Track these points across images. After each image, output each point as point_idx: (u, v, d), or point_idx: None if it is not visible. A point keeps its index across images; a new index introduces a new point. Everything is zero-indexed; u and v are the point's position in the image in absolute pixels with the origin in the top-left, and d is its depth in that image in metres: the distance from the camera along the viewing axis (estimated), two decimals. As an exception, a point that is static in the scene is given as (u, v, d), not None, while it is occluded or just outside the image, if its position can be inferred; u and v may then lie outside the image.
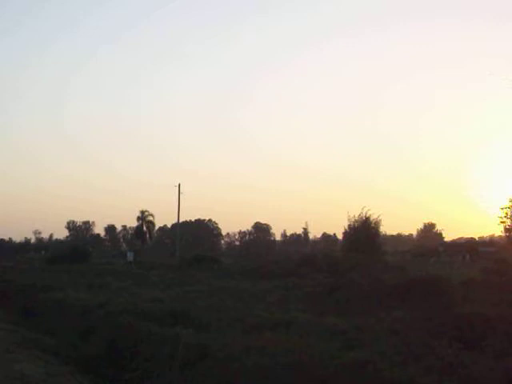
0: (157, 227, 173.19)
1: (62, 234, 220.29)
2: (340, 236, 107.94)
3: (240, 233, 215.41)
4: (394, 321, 20.87)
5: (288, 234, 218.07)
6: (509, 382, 12.63)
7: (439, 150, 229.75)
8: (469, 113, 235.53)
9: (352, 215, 77.71)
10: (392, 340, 17.21)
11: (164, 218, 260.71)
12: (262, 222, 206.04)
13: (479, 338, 16.48)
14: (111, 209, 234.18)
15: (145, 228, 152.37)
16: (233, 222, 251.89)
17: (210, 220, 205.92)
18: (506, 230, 78.47)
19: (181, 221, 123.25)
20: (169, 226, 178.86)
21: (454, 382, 12.47)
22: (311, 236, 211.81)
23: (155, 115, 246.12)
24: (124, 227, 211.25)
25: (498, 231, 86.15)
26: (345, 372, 13.75)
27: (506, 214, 77.25)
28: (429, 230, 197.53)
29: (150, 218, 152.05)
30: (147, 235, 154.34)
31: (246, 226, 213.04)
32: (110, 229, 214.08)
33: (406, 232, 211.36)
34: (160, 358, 16.70)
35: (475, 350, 15.39)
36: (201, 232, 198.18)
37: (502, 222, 78.31)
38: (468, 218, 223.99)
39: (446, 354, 14.21)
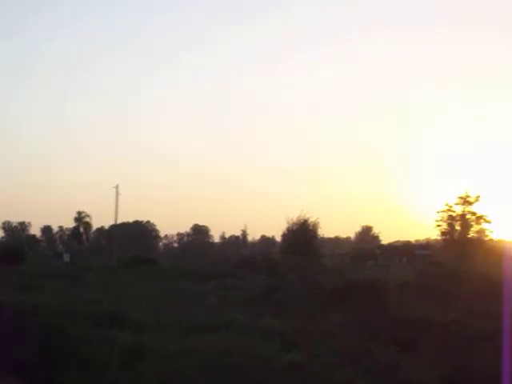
0: (94, 228, 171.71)
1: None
2: (279, 238, 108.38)
3: (178, 234, 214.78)
4: (331, 323, 21.06)
5: (227, 236, 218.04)
6: (442, 382, 12.87)
7: (376, 153, 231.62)
8: (396, 116, 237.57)
9: (291, 218, 78.12)
10: (329, 343, 17.35)
11: (102, 219, 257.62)
12: (201, 223, 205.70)
13: (414, 340, 16.75)
14: (48, 209, 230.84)
15: (82, 229, 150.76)
16: (171, 224, 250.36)
17: (148, 221, 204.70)
18: (442, 233, 79.66)
19: (119, 222, 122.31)
20: (106, 227, 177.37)
21: (392, 382, 12.66)
22: (250, 238, 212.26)
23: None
24: (61, 228, 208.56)
25: (434, 235, 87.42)
26: (282, 374, 13.82)
27: (442, 217, 78.44)
28: (366, 233, 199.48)
29: (87, 219, 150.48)
30: (84, 236, 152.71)
31: (185, 227, 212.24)
32: (47, 230, 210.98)
33: (343, 235, 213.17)
34: (97, 360, 16.55)
35: (411, 352, 15.64)
36: (139, 233, 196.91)
37: (438, 226, 79.52)
38: (405, 222, 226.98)
39: (383, 357, 14.41)
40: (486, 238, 77.97)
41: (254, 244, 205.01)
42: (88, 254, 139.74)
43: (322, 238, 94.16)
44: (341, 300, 27.14)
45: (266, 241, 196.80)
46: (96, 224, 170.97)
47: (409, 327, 18.31)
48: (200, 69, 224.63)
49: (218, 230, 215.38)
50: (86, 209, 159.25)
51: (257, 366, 14.53)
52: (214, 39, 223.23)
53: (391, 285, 32.50)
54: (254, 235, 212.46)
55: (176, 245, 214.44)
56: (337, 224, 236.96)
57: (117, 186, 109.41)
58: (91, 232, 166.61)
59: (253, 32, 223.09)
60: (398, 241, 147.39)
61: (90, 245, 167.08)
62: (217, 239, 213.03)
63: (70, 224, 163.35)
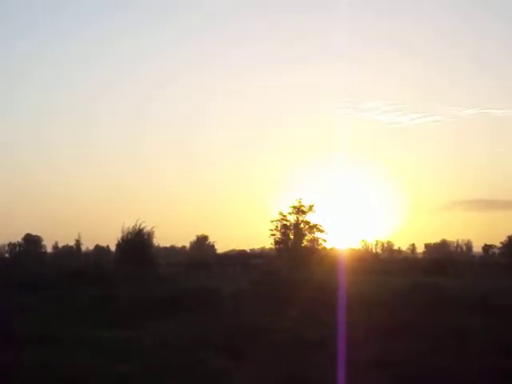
0: None
1: None
2: (113, 248, 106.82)
3: (10, 245, 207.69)
4: (164, 332, 20.80)
5: (60, 245, 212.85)
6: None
7: (212, 163, 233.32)
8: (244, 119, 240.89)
9: (126, 227, 77.15)
10: (162, 352, 17.12)
11: None
12: (33, 233, 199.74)
13: (247, 349, 16.78)
14: None
15: None
16: (2, 234, 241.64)
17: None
18: (276, 242, 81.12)
19: None
20: None
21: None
22: (84, 248, 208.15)
23: None
24: None
25: (268, 243, 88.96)
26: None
27: (276, 226, 79.91)
28: (202, 242, 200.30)
29: None
30: None
31: (17, 237, 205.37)
32: None
33: (179, 244, 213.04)
34: None
35: (243, 360, 15.64)
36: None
37: (272, 235, 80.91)
38: (240, 231, 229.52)
39: (215, 365, 14.33)
40: (319, 247, 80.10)
41: (88, 254, 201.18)
42: None
43: (157, 247, 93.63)
44: (175, 309, 26.95)
45: (100, 250, 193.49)
46: None
47: (242, 336, 18.34)
48: None
49: (51, 239, 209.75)
50: None
51: (87, 378, 14.11)
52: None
53: (225, 293, 32.59)
54: (88, 245, 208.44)
55: (7, 255, 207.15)
56: (172, 233, 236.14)
57: None
58: None
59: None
60: (233, 250, 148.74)
61: None
62: (49, 249, 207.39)
63: None
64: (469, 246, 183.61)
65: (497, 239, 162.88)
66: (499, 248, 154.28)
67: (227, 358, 15.15)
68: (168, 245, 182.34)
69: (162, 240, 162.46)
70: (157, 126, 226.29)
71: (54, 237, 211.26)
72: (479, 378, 14.49)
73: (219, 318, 22.59)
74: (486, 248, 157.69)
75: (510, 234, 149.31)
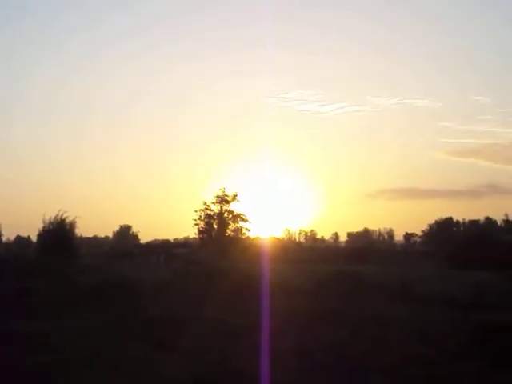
0: None
1: None
2: (35, 238, 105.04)
3: None
4: (86, 323, 20.57)
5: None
6: (194, 379, 12.89)
7: (135, 153, 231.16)
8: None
9: (48, 217, 75.83)
10: (82, 343, 16.92)
11: None
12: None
13: (170, 338, 16.71)
14: None
15: None
16: None
17: None
18: (200, 231, 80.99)
19: None
20: None
21: (143, 383, 12.51)
22: (4, 238, 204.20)
23: None
24: None
25: (192, 233, 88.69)
26: (30, 378, 13.29)
27: (200, 216, 79.79)
28: (125, 232, 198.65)
29: None
30: None
31: None
32: None
33: (102, 234, 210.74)
34: None
35: (166, 350, 15.57)
36: None
37: (196, 224, 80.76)
38: (163, 220, 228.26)
39: (137, 356, 14.24)
40: (243, 236, 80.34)
41: (9, 244, 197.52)
42: None
43: (80, 237, 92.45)
44: (97, 299, 26.65)
45: (21, 241, 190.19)
46: None
47: (165, 325, 18.24)
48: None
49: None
50: None
51: (3, 370, 13.85)
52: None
53: (148, 283, 32.40)
54: (8, 235, 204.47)
55: None
56: (95, 223, 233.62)
57: None
58: None
59: None
60: (156, 239, 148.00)
61: None
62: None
63: None
64: (391, 234, 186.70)
65: (418, 228, 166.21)
66: (420, 237, 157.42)
67: (150, 349, 15.05)
68: (91, 235, 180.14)
69: (84, 230, 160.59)
70: (79, 116, 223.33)
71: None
72: (400, 365, 14.74)
73: (142, 308, 22.42)
74: (408, 236, 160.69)
75: (430, 223, 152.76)
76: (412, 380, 13.13)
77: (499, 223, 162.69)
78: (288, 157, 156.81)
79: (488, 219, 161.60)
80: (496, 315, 19.69)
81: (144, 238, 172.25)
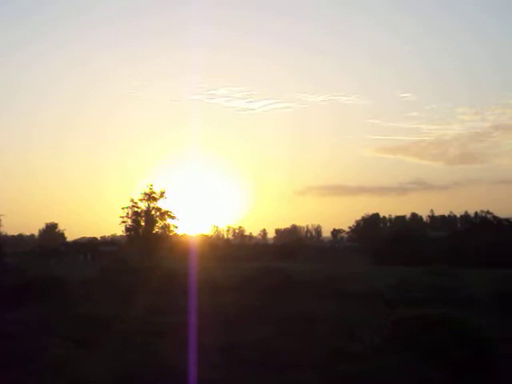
0: None
1: None
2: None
3: None
4: (8, 323, 20.16)
5: None
6: (115, 377, 12.75)
7: (64, 149, 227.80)
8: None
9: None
10: (5, 341, 16.58)
11: None
12: None
13: (95, 336, 16.52)
14: None
15: None
16: None
17: None
18: (127, 229, 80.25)
19: None
20: None
21: (63, 381, 12.32)
22: None
23: None
24: None
25: (119, 231, 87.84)
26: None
27: (127, 213, 79.07)
28: (51, 229, 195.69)
29: None
30: None
31: None
32: None
33: (27, 232, 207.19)
34: None
35: (91, 348, 15.38)
36: None
37: (123, 222, 79.99)
38: (90, 218, 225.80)
39: (59, 354, 14.02)
40: (171, 233, 79.84)
41: None
42: None
43: (4, 235, 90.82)
44: (21, 298, 26.19)
45: None
46: None
47: (90, 324, 18.02)
48: None
49: None
50: None
51: None
52: None
53: (74, 281, 31.98)
54: None
55: None
56: (20, 221, 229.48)
57: None
58: None
59: None
60: (83, 237, 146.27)
61: None
62: None
63: None
64: (318, 230, 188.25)
65: (346, 224, 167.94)
66: (347, 233, 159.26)
67: (73, 347, 14.83)
68: (16, 233, 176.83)
69: (9, 228, 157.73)
70: (9, 115, 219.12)
71: None
72: (327, 361, 14.85)
73: (67, 307, 22.11)
74: (335, 233, 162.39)
75: (358, 219, 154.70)
76: (338, 376, 13.22)
77: (425, 219, 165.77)
78: (216, 153, 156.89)
79: (414, 215, 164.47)
80: (420, 310, 20.02)
81: (71, 236, 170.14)
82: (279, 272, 38.27)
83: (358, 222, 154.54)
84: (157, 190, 76.47)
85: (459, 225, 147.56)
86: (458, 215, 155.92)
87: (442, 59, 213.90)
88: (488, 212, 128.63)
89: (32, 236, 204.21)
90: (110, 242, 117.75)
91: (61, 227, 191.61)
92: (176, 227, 79.94)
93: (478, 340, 15.74)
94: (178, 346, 16.00)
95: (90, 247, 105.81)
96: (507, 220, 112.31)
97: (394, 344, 15.80)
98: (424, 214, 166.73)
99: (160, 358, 14.92)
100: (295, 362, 14.77)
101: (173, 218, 78.30)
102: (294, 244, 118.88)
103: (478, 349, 15.17)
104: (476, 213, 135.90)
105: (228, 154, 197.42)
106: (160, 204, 77.78)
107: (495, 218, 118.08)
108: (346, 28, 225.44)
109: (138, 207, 77.97)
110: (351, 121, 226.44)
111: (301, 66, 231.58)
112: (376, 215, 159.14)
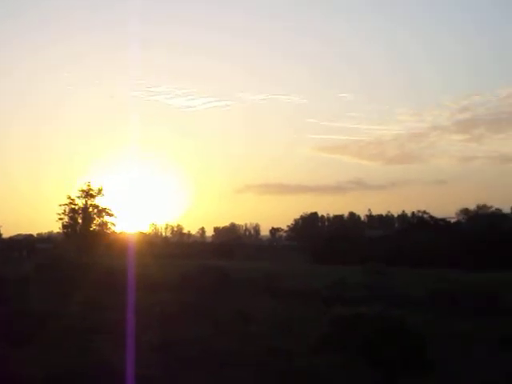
0: None
1: None
2: None
3: None
4: None
5: None
6: (46, 375, 12.59)
7: (9, 150, 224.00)
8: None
9: None
10: None
11: None
12: None
13: (30, 334, 16.31)
14: None
15: None
16: None
17: None
18: (64, 226, 79.23)
19: None
20: None
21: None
22: None
23: None
24: None
25: (56, 228, 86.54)
26: None
27: (65, 210, 78.06)
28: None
29: None
30: None
31: None
32: None
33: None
34: None
35: (26, 345, 15.18)
36: None
37: (60, 219, 78.95)
38: (27, 215, 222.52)
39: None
40: (108, 231, 79.15)
41: None
42: None
43: None
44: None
45: None
46: None
47: (25, 321, 17.75)
48: None
49: None
50: None
51: None
52: None
53: (10, 279, 31.50)
54: None
55: None
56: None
57: None
58: None
59: None
60: (19, 234, 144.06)
61: None
62: None
63: None
64: (257, 229, 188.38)
65: (284, 223, 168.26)
66: (286, 231, 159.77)
67: (7, 345, 14.61)
68: None
69: None
70: None
71: None
72: (263, 360, 14.93)
73: (2, 304, 21.77)
74: (274, 231, 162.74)
75: (296, 218, 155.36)
76: (274, 374, 13.28)
77: (363, 218, 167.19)
78: (156, 151, 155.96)
79: (352, 214, 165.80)
80: (356, 309, 20.23)
81: (6, 233, 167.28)
82: (216, 270, 38.29)
83: (296, 221, 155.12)
84: (95, 188, 75.73)
85: (396, 224, 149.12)
86: (396, 215, 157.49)
87: (381, 60, 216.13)
88: (425, 212, 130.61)
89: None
90: (47, 239, 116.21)
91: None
92: (114, 225, 79.13)
93: (413, 338, 15.95)
94: (116, 342, 15.90)
95: (26, 244, 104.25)
96: (443, 220, 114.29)
97: (330, 342, 15.91)
98: (362, 213, 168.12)
99: (97, 354, 14.82)
100: (232, 360, 14.79)
101: (110, 215, 77.53)
102: (233, 242, 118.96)
103: (412, 347, 15.38)
104: (413, 212, 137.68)
105: (168, 152, 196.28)
106: (98, 201, 77.07)
107: (432, 217, 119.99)
108: (285, 29, 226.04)
109: (75, 204, 77.03)
110: (291, 120, 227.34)
111: (241, 64, 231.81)
112: (314, 214, 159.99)
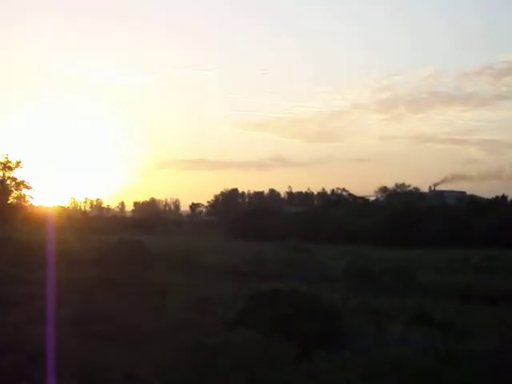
0: None
1: None
2: None
3: None
4: None
5: None
6: None
7: None
8: None
9: None
10: None
11: None
12: None
13: None
14: None
15: None
16: None
17: None
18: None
19: None
20: None
21: None
22: None
23: None
24: None
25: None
26: None
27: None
28: None
29: None
30: None
31: None
32: None
33: None
34: None
35: None
36: None
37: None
38: None
39: None
40: (26, 204, 77.99)
41: None
42: None
43: None
44: None
45: None
46: None
47: None
48: None
49: None
50: None
51: None
52: None
53: None
54: None
55: None
56: None
57: None
58: None
59: None
60: None
61: None
62: None
63: None
64: (177, 204, 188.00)
65: (204, 198, 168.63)
66: (206, 207, 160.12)
67: None
68: None
69: None
70: None
71: None
72: (177, 334, 15.10)
73: None
74: (194, 207, 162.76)
75: (216, 194, 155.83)
76: (188, 349, 13.43)
77: (283, 195, 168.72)
78: (77, 125, 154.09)
79: (272, 191, 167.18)
80: (272, 284, 20.61)
81: None
82: (135, 245, 38.29)
83: (216, 197, 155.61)
84: (12, 160, 74.42)
85: (316, 202, 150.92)
86: (315, 192, 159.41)
87: (303, 38, 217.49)
88: (344, 189, 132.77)
89: None
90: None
91: None
92: (32, 198, 78.09)
93: (328, 313, 16.35)
94: (32, 317, 15.85)
95: None
96: (362, 198, 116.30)
97: (246, 317, 16.18)
98: (282, 190, 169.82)
99: (12, 328, 14.77)
100: (147, 335, 14.92)
101: (28, 188, 76.43)
102: (152, 217, 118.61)
103: (327, 323, 15.76)
104: (332, 190, 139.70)
105: (89, 127, 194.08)
106: (16, 174, 75.82)
107: (351, 195, 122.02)
108: (216, 3, 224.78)
109: (-8, 177, 75.72)
110: (212, 95, 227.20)
111: (164, 37, 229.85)
112: (235, 190, 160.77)
